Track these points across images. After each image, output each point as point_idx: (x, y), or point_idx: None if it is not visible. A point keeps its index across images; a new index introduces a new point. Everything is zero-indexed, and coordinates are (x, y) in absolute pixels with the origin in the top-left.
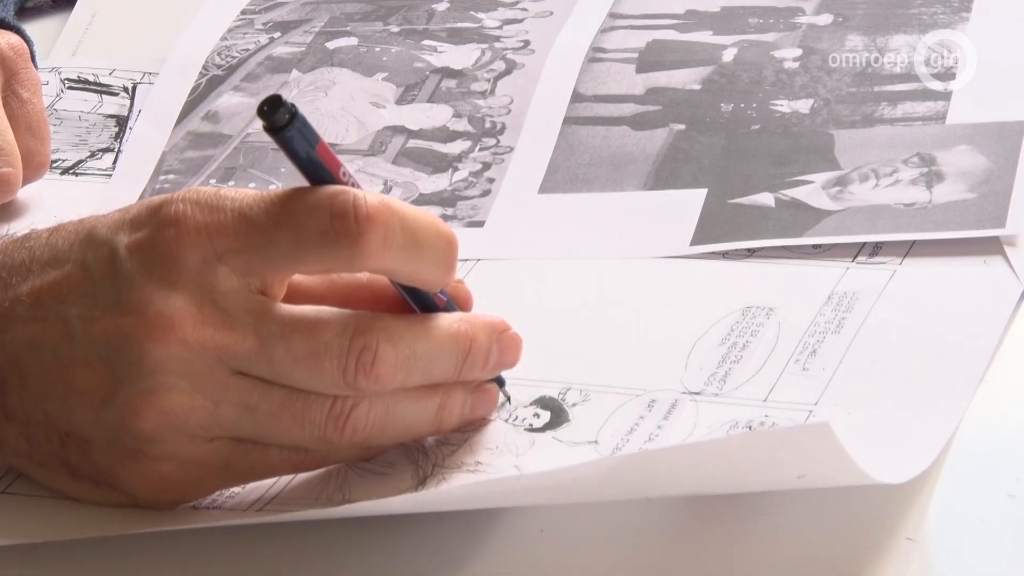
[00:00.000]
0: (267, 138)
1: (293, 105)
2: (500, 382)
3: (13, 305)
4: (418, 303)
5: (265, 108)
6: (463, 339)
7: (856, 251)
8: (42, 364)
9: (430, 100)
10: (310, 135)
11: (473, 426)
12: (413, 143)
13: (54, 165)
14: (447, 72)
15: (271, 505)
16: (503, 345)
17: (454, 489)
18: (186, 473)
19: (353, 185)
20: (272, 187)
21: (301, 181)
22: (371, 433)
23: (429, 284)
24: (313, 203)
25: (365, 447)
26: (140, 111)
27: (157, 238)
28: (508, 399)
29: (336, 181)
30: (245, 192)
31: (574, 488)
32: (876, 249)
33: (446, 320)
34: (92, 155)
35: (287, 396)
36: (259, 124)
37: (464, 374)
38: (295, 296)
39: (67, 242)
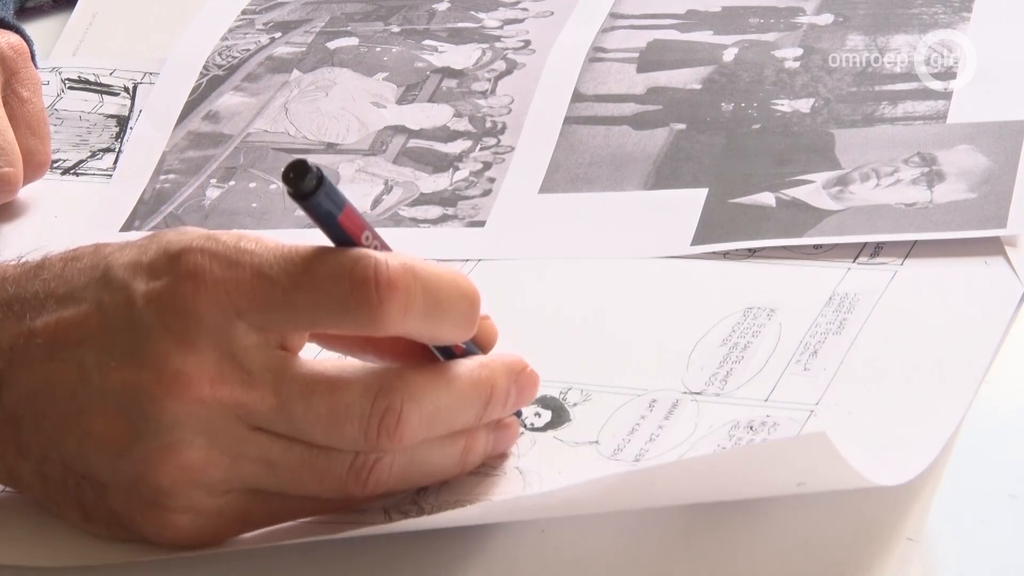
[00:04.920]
0: (267, 138)
1: (319, 169)
2: (518, 413)
3: (27, 342)
4: (438, 349)
5: (291, 174)
6: (484, 386)
7: (857, 251)
8: (58, 407)
9: (431, 100)
10: (336, 199)
11: (495, 461)
12: (414, 143)
13: (55, 165)
14: (448, 72)
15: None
16: (521, 385)
17: (457, 512)
18: (204, 523)
19: (377, 248)
20: (273, 187)
21: None
22: (394, 484)
23: (449, 342)
24: (335, 268)
25: (387, 493)
26: (141, 111)
27: (176, 291)
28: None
29: (359, 244)
30: (265, 246)
31: (576, 504)
32: (877, 249)
33: (467, 368)
34: (93, 155)
35: (307, 452)
36: (259, 124)
37: (485, 418)
38: (318, 334)
39: (83, 278)
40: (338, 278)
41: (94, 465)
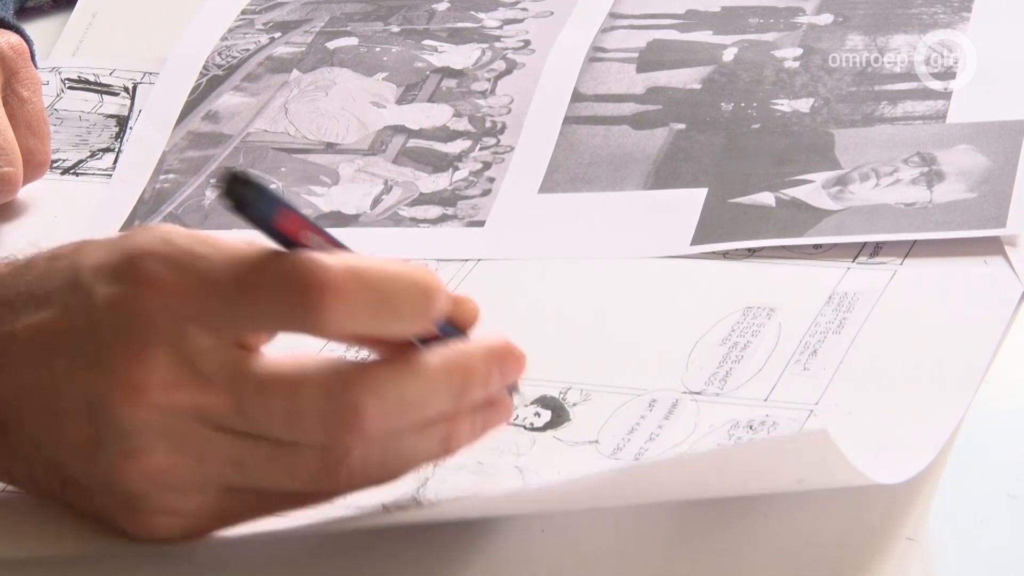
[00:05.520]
0: (267, 138)
1: (244, 174)
2: (514, 388)
3: (7, 343)
4: None
5: (223, 186)
6: (456, 373)
7: (857, 251)
8: (36, 411)
9: (430, 100)
10: (268, 204)
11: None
12: (413, 143)
13: (54, 165)
14: (447, 72)
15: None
16: (504, 366)
17: (454, 503)
18: (183, 522)
19: (321, 246)
20: (272, 187)
21: (304, 181)
22: (372, 476)
23: (404, 335)
24: (274, 272)
25: (370, 485)
26: (140, 111)
27: (129, 296)
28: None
29: (302, 245)
30: (220, 249)
31: (575, 498)
32: (877, 249)
33: (437, 356)
34: (92, 155)
35: (274, 449)
36: (259, 124)
37: (466, 403)
38: None
39: (58, 279)
40: (279, 283)
41: (71, 469)
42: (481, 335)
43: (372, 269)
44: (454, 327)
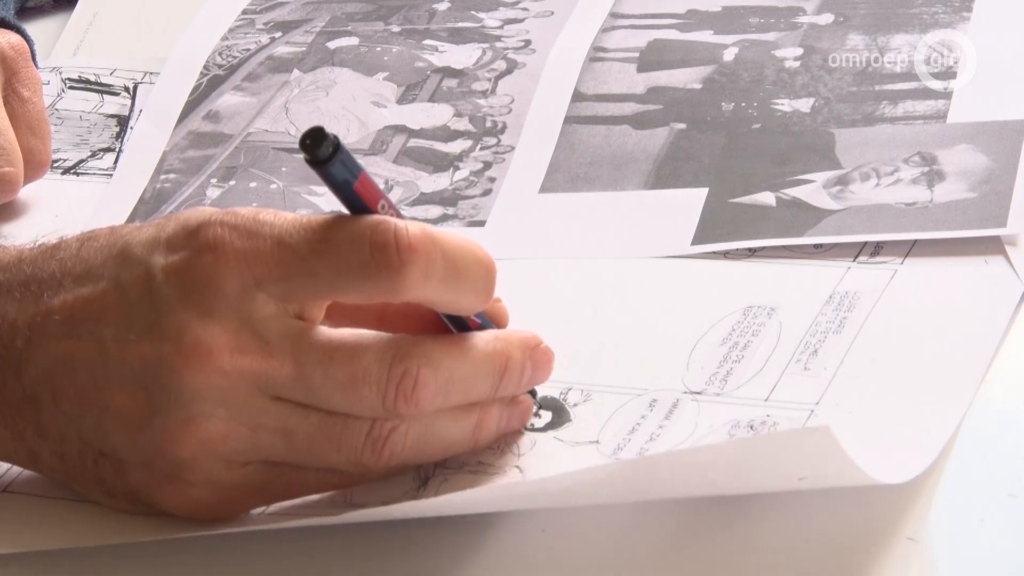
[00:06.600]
0: (267, 138)
1: (335, 137)
2: (532, 392)
3: (45, 320)
4: (453, 322)
5: (308, 141)
6: (499, 358)
7: (857, 251)
8: (76, 383)
9: (431, 100)
10: (352, 167)
11: (507, 438)
12: (414, 142)
13: (55, 165)
14: (448, 72)
15: (273, 511)
16: (536, 361)
17: (455, 496)
18: (222, 496)
19: (393, 215)
20: (273, 187)
21: (305, 181)
22: (408, 455)
23: (467, 310)
24: (354, 234)
25: (401, 467)
26: (141, 111)
27: (194, 263)
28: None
29: (375, 212)
30: (283, 217)
31: (575, 493)
32: (877, 249)
33: (482, 340)
34: (93, 155)
35: (324, 420)
36: (260, 123)
37: (500, 392)
38: (331, 311)
39: (99, 256)
40: (358, 243)
41: (113, 440)
42: (513, 328)
43: (446, 237)
44: (489, 320)
